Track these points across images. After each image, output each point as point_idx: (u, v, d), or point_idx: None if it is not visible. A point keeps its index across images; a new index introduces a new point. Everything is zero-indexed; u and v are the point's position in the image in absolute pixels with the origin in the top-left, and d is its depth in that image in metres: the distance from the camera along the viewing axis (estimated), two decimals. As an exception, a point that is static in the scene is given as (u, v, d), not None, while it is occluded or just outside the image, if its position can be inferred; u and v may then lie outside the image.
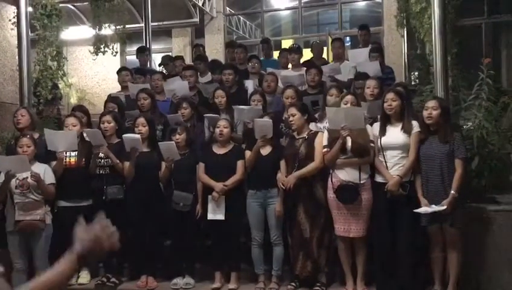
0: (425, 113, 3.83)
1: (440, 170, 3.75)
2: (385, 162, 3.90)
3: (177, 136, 4.46)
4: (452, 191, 3.68)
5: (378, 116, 4.10)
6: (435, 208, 3.69)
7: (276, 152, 4.26)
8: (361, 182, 3.92)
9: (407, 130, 3.87)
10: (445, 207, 3.66)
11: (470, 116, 4.53)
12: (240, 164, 4.33)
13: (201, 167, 4.40)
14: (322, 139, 4.08)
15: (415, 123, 3.91)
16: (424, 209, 3.73)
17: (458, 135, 3.85)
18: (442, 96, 4.42)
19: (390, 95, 3.93)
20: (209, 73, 6.19)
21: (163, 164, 4.40)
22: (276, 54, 7.25)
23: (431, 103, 3.82)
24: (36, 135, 4.54)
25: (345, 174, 3.94)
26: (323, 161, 4.03)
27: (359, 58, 6.02)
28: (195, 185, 4.41)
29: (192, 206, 4.34)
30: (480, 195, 4.21)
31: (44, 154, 4.37)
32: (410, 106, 4.26)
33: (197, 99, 5.45)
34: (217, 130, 4.41)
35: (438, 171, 3.75)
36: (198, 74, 6.23)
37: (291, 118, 4.19)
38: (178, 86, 5.49)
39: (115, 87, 6.51)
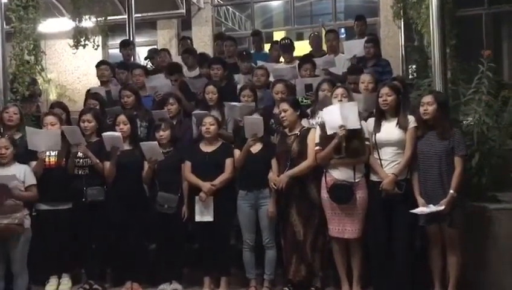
0: (421, 109, 3.86)
1: (438, 168, 3.76)
2: (380, 159, 3.92)
3: (161, 133, 4.45)
4: (451, 191, 3.70)
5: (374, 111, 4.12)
6: (432, 208, 3.70)
7: (267, 150, 4.26)
8: (356, 180, 3.93)
9: (402, 125, 3.89)
10: (443, 207, 3.67)
11: (469, 111, 4.55)
12: (228, 162, 4.32)
13: (187, 165, 4.39)
14: (315, 136, 4.09)
15: (411, 118, 3.93)
16: (420, 209, 3.75)
17: (458, 131, 3.86)
18: (440, 90, 4.43)
19: (385, 90, 3.95)
20: (198, 67, 6.17)
21: (146, 164, 4.38)
22: (267, 47, 7.23)
23: (426, 98, 3.85)
24: (18, 135, 4.54)
25: (338, 173, 3.95)
26: (316, 159, 4.04)
27: (355, 50, 6.03)
28: (181, 186, 4.40)
29: (177, 208, 4.33)
30: (481, 193, 4.22)
31: (24, 154, 4.34)
32: (407, 101, 4.28)
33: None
34: (203, 128, 4.40)
35: (436, 169, 3.77)
36: (186, 68, 6.18)
37: (282, 114, 4.19)
38: (160, 83, 5.44)
39: (96, 82, 6.45)
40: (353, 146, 3.90)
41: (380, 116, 3.99)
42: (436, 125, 3.82)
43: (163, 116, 4.79)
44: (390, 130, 3.92)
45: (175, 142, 4.53)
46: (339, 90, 4.18)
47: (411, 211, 3.75)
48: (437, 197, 3.74)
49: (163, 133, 4.45)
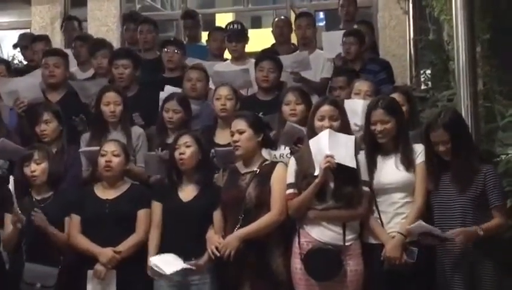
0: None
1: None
2: (378, 212, 4.03)
3: (33, 167, 4.39)
4: (478, 227, 3.82)
5: None
6: (437, 231, 3.82)
7: (205, 197, 4.29)
8: (347, 244, 3.98)
9: (406, 160, 4.03)
10: (453, 237, 3.79)
11: (511, 139, 4.68)
12: (141, 215, 4.36)
13: (74, 221, 4.39)
14: (283, 174, 4.13)
15: (418, 148, 4.08)
16: (418, 223, 3.82)
17: (490, 168, 3.96)
18: (468, 107, 4.53)
19: (379, 115, 4.05)
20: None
21: (8, 217, 4.29)
22: (205, 36, 7.29)
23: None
24: None
25: (321, 232, 4.00)
26: (286, 210, 4.08)
27: (339, 45, 6.12)
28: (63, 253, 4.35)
29: (57, 288, 4.23)
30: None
31: None
32: (416, 123, 4.49)
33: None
34: (102, 160, 4.38)
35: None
36: (77, 67, 6.27)
37: (236, 137, 4.21)
38: (22, 85, 5.40)
39: None
40: (345, 190, 3.96)
41: (375, 150, 4.10)
42: (451, 161, 3.93)
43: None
44: (390, 169, 4.06)
45: (56, 184, 4.50)
46: (326, 109, 4.19)
47: (407, 227, 3.86)
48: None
49: (37, 168, 4.40)
